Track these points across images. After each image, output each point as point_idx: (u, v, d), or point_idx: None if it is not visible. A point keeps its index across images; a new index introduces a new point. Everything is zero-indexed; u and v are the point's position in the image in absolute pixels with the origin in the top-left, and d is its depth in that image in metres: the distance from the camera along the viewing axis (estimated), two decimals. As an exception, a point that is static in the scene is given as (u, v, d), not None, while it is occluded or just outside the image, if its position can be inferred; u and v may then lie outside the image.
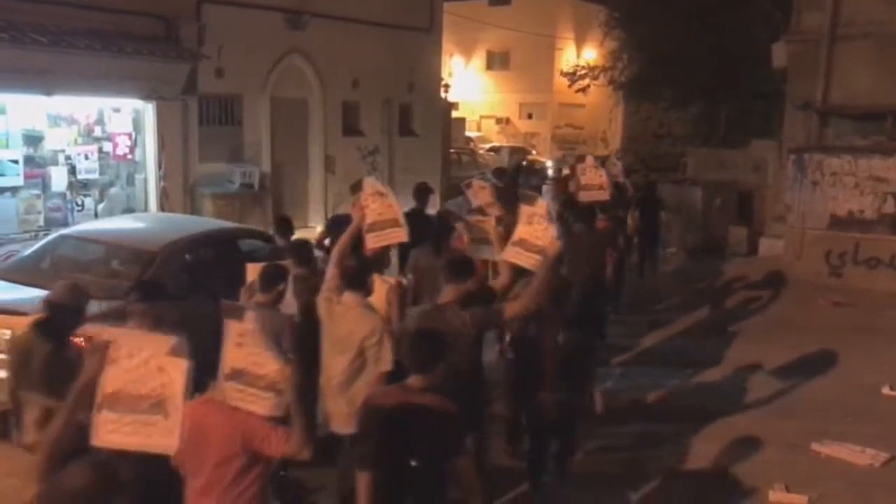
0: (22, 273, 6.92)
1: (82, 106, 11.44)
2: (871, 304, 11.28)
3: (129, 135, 12.04)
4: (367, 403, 3.77)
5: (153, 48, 11.76)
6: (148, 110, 12.16)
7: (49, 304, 4.41)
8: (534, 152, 33.54)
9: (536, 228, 5.11)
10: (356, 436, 3.99)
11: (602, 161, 11.10)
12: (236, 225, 9.59)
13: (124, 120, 12.01)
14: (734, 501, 5.78)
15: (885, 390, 7.98)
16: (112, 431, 2.86)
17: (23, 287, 6.57)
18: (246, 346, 3.10)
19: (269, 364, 3.11)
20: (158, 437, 2.90)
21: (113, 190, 11.99)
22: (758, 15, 17.15)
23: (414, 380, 3.67)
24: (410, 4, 17.34)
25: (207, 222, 9.92)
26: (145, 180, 12.33)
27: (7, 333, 6.04)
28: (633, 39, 21.56)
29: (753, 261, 14.24)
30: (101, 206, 11.70)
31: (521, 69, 37.85)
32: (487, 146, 32.48)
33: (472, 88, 38.48)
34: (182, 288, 6.39)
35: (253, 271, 5.31)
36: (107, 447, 2.87)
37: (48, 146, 11.06)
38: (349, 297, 4.74)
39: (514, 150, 30.28)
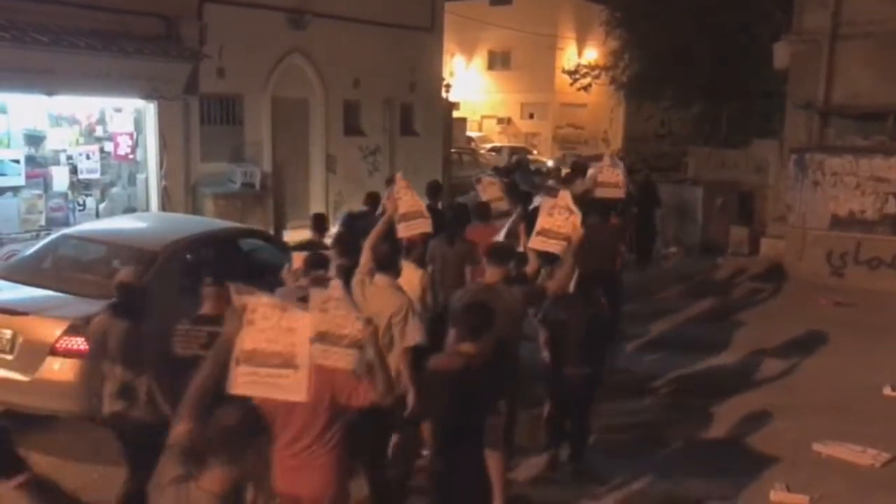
0: (23, 273, 6.92)
1: (84, 106, 11.42)
2: (873, 305, 11.27)
3: (131, 134, 12.02)
4: (432, 369, 4.17)
5: (154, 48, 11.75)
6: (149, 110, 12.15)
7: (119, 288, 5.04)
8: (535, 152, 33.52)
9: (557, 219, 5.60)
10: (420, 394, 4.54)
11: None
12: (238, 225, 9.59)
13: (125, 120, 12.00)
14: (734, 502, 5.77)
15: (887, 391, 7.98)
16: (248, 382, 3.25)
17: (24, 287, 6.58)
18: (329, 311, 3.45)
19: (351, 324, 3.46)
20: (289, 388, 3.29)
21: (114, 190, 11.98)
22: (759, 15, 17.14)
23: (465, 346, 4.07)
24: (412, 4, 17.31)
25: (209, 222, 9.92)
26: (146, 180, 12.32)
27: (8, 333, 6.06)
28: (634, 39, 21.56)
29: (754, 261, 14.22)
30: (102, 206, 11.68)
31: (522, 69, 37.84)
32: (488, 146, 32.45)
33: (473, 88, 38.46)
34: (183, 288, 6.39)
35: (299, 258, 5.78)
36: (242, 395, 3.22)
37: (49, 146, 11.04)
38: (380, 278, 5.26)
39: (514, 150, 30.26)
